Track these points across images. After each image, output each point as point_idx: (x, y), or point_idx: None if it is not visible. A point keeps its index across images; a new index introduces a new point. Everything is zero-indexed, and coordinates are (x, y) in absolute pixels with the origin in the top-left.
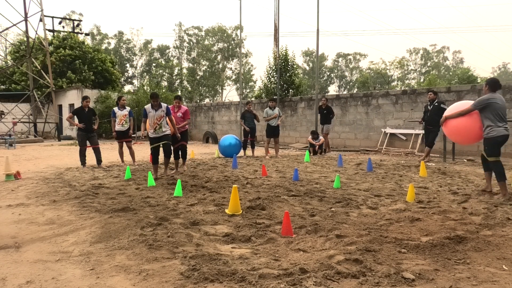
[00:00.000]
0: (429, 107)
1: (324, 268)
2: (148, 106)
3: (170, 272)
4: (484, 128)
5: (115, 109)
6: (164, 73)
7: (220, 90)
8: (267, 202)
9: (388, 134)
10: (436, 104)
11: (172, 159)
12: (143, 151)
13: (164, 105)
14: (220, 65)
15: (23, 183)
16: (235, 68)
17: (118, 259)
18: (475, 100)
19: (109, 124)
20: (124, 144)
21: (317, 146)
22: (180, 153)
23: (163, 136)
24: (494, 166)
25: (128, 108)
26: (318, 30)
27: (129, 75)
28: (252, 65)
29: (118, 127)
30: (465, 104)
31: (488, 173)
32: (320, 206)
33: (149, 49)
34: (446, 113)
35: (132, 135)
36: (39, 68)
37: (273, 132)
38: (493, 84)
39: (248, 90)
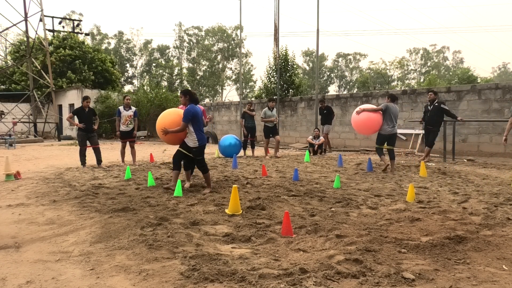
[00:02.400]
0: (429, 107)
1: (324, 268)
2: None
3: (170, 272)
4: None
5: (121, 108)
6: (164, 73)
7: (220, 90)
8: (267, 202)
9: None
10: (436, 104)
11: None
12: (143, 151)
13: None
14: (220, 65)
15: (23, 183)
16: (235, 68)
17: (118, 259)
18: (382, 104)
19: (109, 124)
20: (127, 143)
21: (317, 146)
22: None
23: (192, 148)
24: (377, 150)
25: (133, 109)
26: (318, 30)
27: (129, 75)
28: (252, 65)
29: (123, 128)
30: (372, 106)
31: (392, 161)
32: (320, 206)
33: (149, 49)
34: (363, 107)
35: (137, 136)
36: (39, 68)
37: (271, 131)
38: (392, 96)
39: (248, 90)
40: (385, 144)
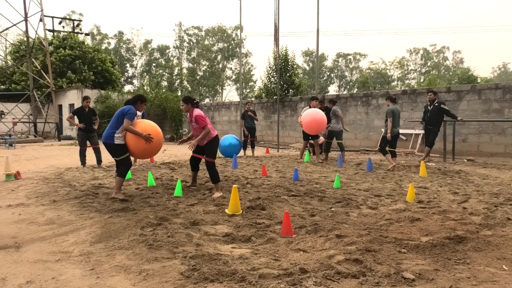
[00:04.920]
0: (429, 107)
1: (324, 268)
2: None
3: (170, 272)
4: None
5: None
6: (164, 73)
7: (220, 90)
8: (267, 202)
9: None
10: (436, 104)
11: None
12: None
13: (194, 113)
14: (220, 65)
15: (23, 183)
16: (235, 68)
17: (118, 259)
18: (334, 112)
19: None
20: None
21: None
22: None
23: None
24: (328, 145)
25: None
26: (318, 30)
27: (129, 75)
28: (252, 65)
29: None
30: (318, 112)
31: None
32: (320, 206)
33: (149, 49)
34: (310, 112)
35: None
36: (39, 68)
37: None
38: (332, 101)
39: (248, 90)
40: (335, 139)
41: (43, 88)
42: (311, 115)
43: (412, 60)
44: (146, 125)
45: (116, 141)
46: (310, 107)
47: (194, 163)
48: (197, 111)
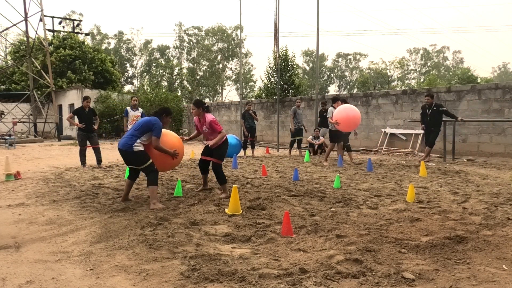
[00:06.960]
0: (427, 111)
1: (324, 268)
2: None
3: (170, 272)
4: None
5: (128, 108)
6: (164, 73)
7: (220, 90)
8: (267, 202)
9: (388, 134)
10: (435, 108)
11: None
12: None
13: (207, 118)
14: (220, 65)
15: (23, 183)
16: (235, 68)
17: (118, 259)
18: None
19: (109, 124)
20: None
21: (316, 146)
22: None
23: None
24: (291, 143)
25: (140, 110)
26: (318, 30)
27: (129, 75)
28: (252, 65)
29: (130, 127)
30: (351, 108)
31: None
32: (320, 206)
33: (149, 49)
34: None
35: None
36: (39, 68)
37: (344, 135)
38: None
39: (248, 90)
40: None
41: (43, 88)
42: (345, 112)
43: (412, 60)
44: (170, 139)
45: (135, 148)
46: (334, 108)
47: (203, 166)
48: (210, 116)
